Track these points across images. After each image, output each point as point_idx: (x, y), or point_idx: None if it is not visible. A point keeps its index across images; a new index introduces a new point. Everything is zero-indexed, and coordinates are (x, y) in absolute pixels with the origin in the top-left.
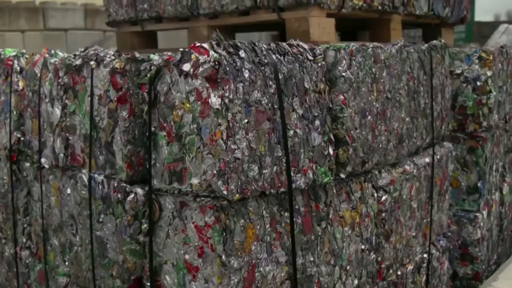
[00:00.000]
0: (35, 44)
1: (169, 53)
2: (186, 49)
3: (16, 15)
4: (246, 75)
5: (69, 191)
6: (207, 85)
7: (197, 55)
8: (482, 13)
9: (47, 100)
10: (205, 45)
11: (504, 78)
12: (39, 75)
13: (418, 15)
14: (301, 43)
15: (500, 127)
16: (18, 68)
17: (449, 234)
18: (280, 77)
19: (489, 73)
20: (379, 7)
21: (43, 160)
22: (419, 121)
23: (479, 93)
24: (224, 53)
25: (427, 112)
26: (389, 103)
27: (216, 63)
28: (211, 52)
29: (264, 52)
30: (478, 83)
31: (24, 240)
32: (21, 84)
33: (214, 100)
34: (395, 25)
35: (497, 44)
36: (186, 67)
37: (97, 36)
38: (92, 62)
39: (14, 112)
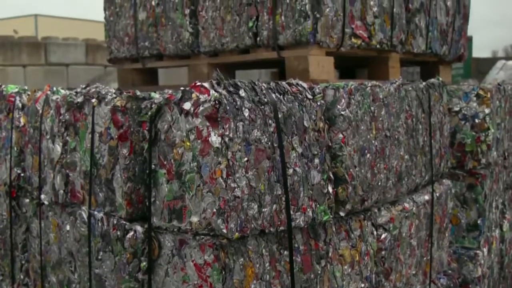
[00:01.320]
0: (36, 78)
1: (170, 91)
2: (187, 88)
3: (18, 50)
4: (246, 114)
5: (68, 227)
6: (208, 123)
7: (198, 94)
8: (480, 50)
9: (48, 137)
10: (206, 84)
11: (502, 115)
12: (40, 111)
13: (416, 53)
14: (300, 82)
15: (499, 164)
16: (20, 105)
17: (450, 272)
18: (279, 115)
19: (487, 111)
20: (378, 46)
21: (42, 196)
22: (418, 159)
23: (478, 131)
24: (224, 92)
25: (426, 150)
26: (388, 141)
27: (217, 102)
28: (212, 91)
29: (264, 91)
30: (476, 121)
31: (22, 277)
32: (22, 120)
33: (214, 139)
34: (393, 63)
35: (495, 80)
36: (187, 105)
37: (98, 71)
38: (93, 100)
39: (15, 148)
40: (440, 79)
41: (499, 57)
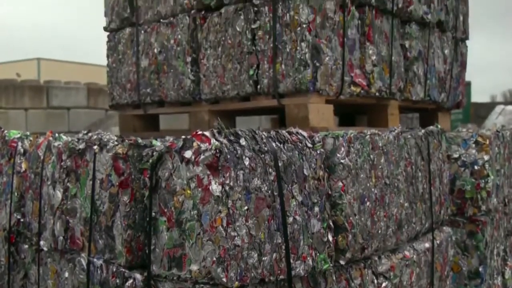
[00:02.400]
0: (37, 121)
1: (171, 139)
2: (188, 137)
3: (21, 93)
4: (247, 162)
5: (67, 274)
6: (208, 172)
7: (199, 143)
8: (479, 94)
9: (49, 183)
10: (207, 133)
11: (501, 162)
12: (42, 157)
13: (414, 100)
14: (300, 131)
15: (500, 211)
16: (22, 150)
17: None
18: (279, 164)
19: (486, 157)
20: (377, 94)
21: (42, 242)
22: (418, 206)
23: (477, 177)
24: (225, 141)
25: (425, 197)
26: (387, 189)
27: (217, 151)
28: (213, 140)
29: (264, 140)
30: (476, 167)
31: None
32: (23, 166)
33: (215, 187)
34: (392, 111)
35: (494, 125)
36: (188, 154)
37: (99, 114)
38: (95, 147)
39: (15, 194)
40: (439, 126)
41: (498, 101)
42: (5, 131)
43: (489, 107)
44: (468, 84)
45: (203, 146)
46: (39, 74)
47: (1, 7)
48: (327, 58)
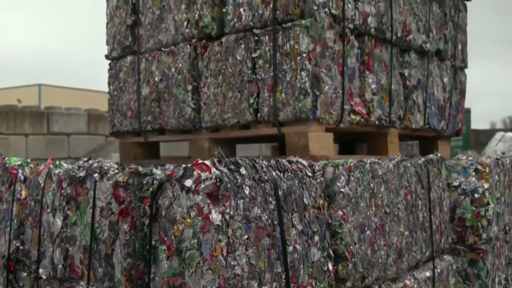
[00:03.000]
0: (38, 147)
1: (171, 168)
2: (189, 165)
3: (21, 119)
4: (247, 191)
5: None
6: (208, 201)
7: (199, 172)
8: (478, 121)
9: (49, 210)
10: (207, 162)
11: (501, 189)
12: (42, 185)
13: (414, 128)
14: (300, 160)
15: (500, 239)
16: (22, 177)
17: None
18: (280, 193)
19: (486, 185)
20: (376, 122)
21: (41, 270)
22: (418, 235)
23: (477, 205)
24: (225, 170)
25: (426, 226)
26: (387, 217)
27: (218, 180)
28: (213, 169)
29: (265, 169)
30: (476, 195)
31: None
32: (24, 193)
33: (215, 216)
34: (392, 139)
35: (494, 152)
36: (188, 183)
37: (99, 140)
38: (95, 175)
39: (15, 221)
40: (439, 154)
41: (498, 128)
42: (6, 158)
43: (489, 133)
44: (468, 111)
45: (204, 175)
46: (40, 100)
47: (3, 33)
48: (327, 87)
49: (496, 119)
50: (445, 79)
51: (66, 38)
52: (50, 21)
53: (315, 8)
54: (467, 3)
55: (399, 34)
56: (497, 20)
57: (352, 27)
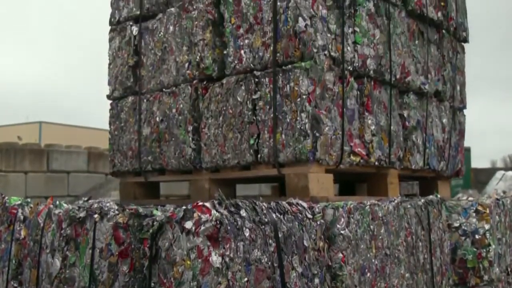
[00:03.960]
0: (37, 185)
1: (172, 209)
2: (189, 207)
3: (21, 157)
4: (247, 234)
5: None
6: (208, 243)
7: (199, 214)
8: (479, 159)
9: (48, 251)
10: (207, 204)
11: (502, 230)
12: (42, 225)
13: (414, 169)
14: (300, 202)
15: (502, 280)
16: (22, 217)
17: None
18: (280, 235)
19: (486, 226)
20: (376, 163)
21: None
22: (419, 277)
23: (478, 246)
24: (225, 212)
25: (426, 268)
26: (388, 259)
27: (218, 222)
28: (213, 211)
29: (265, 211)
30: (477, 236)
31: None
32: (23, 233)
33: (215, 259)
34: (392, 179)
35: (495, 191)
36: (188, 224)
37: (99, 179)
38: (95, 215)
39: (13, 261)
40: (439, 195)
41: (498, 167)
42: (6, 198)
43: (489, 172)
44: (468, 150)
45: (204, 217)
46: (41, 137)
47: (5, 71)
48: (326, 128)
49: (496, 158)
50: (444, 120)
51: (66, 77)
52: (51, 58)
53: (315, 50)
54: (465, 45)
55: (398, 76)
56: (493, 60)
57: (351, 69)
